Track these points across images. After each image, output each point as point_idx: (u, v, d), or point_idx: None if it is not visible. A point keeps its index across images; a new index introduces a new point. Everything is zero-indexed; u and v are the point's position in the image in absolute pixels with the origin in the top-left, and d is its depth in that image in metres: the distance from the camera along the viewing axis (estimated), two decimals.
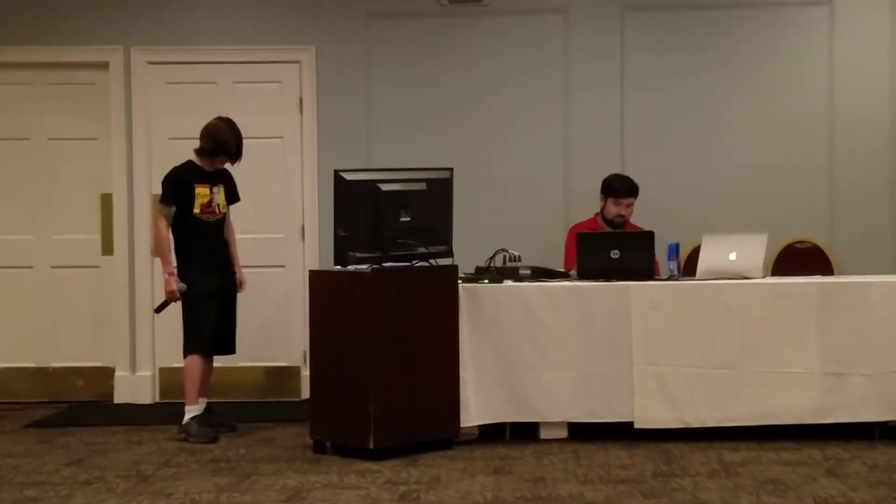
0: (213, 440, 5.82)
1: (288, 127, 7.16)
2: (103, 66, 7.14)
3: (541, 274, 5.85)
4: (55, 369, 7.25)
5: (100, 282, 7.23)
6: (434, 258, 5.62)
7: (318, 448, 5.53)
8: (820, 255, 6.86)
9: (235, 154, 5.97)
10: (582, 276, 5.79)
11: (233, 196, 6.14)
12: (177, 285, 5.92)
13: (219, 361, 6.18)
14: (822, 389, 5.55)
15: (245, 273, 6.24)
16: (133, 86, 7.13)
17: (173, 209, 5.95)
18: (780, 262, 6.79)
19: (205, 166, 5.99)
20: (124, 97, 7.13)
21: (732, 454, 5.30)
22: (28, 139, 7.26)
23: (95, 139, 7.24)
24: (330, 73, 7.11)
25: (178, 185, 5.95)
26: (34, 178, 7.26)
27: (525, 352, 5.63)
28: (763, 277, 5.81)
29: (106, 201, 7.22)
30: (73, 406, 7.04)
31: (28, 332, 7.24)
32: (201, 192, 5.95)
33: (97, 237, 7.24)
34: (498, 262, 5.88)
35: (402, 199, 5.47)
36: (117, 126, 7.14)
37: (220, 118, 6.01)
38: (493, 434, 5.69)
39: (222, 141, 5.93)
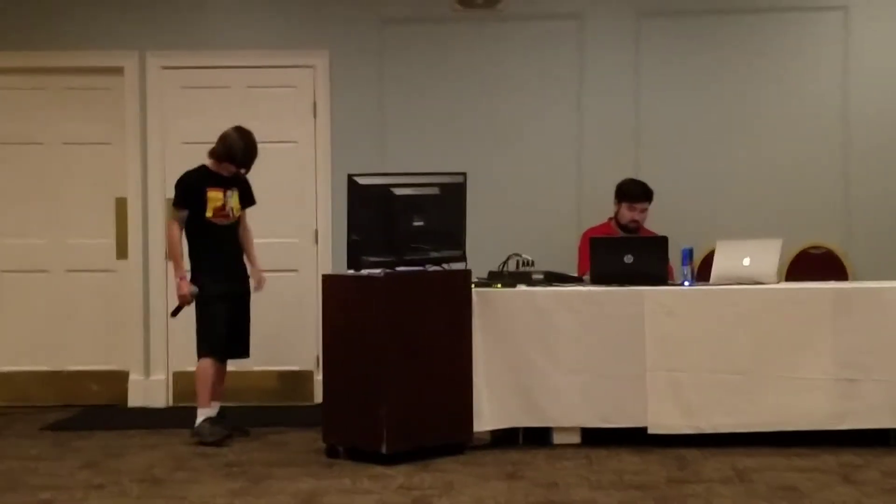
0: (226, 439, 5.83)
1: (302, 131, 7.18)
2: (118, 70, 7.18)
3: (554, 278, 5.85)
4: (69, 373, 7.27)
5: (114, 286, 7.26)
6: (447, 262, 5.62)
7: (331, 452, 5.53)
8: (834, 260, 6.84)
9: (241, 164, 5.98)
10: (595, 280, 5.78)
11: (248, 199, 6.15)
12: (188, 289, 5.94)
13: (232, 365, 6.19)
14: (836, 395, 5.52)
15: None
16: (148, 90, 7.16)
17: (185, 213, 5.97)
18: (794, 268, 6.76)
19: (215, 169, 6.01)
20: (139, 102, 7.16)
21: (746, 460, 5.28)
22: (43, 143, 7.29)
23: (110, 143, 7.27)
24: (344, 78, 7.12)
25: (189, 189, 5.97)
26: (49, 182, 7.28)
27: (538, 357, 5.63)
28: (777, 283, 5.79)
29: (120, 205, 7.24)
30: (88, 410, 7.06)
31: (43, 335, 7.26)
32: (214, 195, 5.97)
33: (112, 241, 7.26)
34: (511, 266, 5.88)
35: (415, 204, 5.47)
36: (132, 130, 7.17)
37: (238, 128, 6.01)
38: (505, 439, 5.69)
39: (231, 149, 5.95)
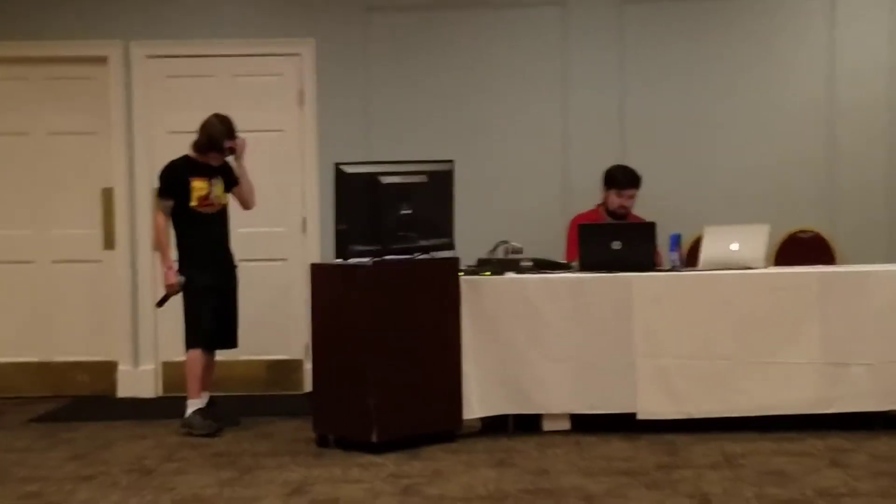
0: (217, 431, 5.83)
1: (288, 120, 7.16)
2: (102, 60, 7.13)
3: (542, 266, 5.85)
4: (58, 364, 7.25)
5: (102, 276, 7.23)
6: (435, 251, 5.61)
7: (321, 441, 5.53)
8: (822, 244, 6.85)
9: (226, 151, 5.98)
10: (583, 267, 5.78)
11: (233, 181, 6.12)
12: (175, 278, 5.93)
13: (220, 355, 6.18)
14: (823, 380, 5.54)
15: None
16: (132, 80, 7.12)
17: (170, 203, 5.96)
18: (782, 252, 6.77)
19: (199, 160, 6.00)
20: (124, 91, 7.12)
21: (735, 445, 5.30)
22: (28, 134, 7.26)
23: (95, 133, 7.23)
24: (330, 66, 7.09)
25: (173, 179, 5.97)
26: (35, 173, 7.25)
27: (527, 343, 5.63)
28: (765, 267, 5.80)
29: (107, 196, 7.21)
30: (76, 401, 7.04)
31: (30, 326, 7.24)
32: (198, 185, 5.95)
33: (98, 232, 7.23)
34: (499, 254, 5.88)
35: (402, 192, 5.45)
36: (117, 120, 7.14)
37: (216, 115, 6.01)
38: (495, 426, 5.69)
39: (213, 137, 5.94)
